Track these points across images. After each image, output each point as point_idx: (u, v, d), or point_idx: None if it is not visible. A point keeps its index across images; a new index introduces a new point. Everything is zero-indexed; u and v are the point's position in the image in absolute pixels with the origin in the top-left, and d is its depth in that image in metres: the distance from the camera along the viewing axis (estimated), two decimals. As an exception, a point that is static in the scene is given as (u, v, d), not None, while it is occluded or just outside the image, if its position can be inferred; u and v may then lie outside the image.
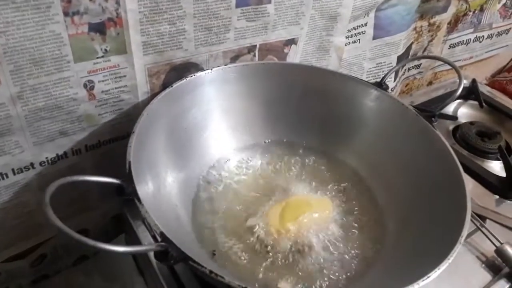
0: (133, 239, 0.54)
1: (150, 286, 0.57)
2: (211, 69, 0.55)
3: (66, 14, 0.42)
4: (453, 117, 0.75)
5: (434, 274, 0.36)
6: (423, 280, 0.36)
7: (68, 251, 0.63)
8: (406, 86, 0.96)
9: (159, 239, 0.47)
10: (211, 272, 0.33)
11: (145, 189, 0.41)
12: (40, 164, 0.50)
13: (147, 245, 0.36)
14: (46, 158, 0.50)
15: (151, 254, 0.51)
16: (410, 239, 0.48)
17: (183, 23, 0.50)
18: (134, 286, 0.60)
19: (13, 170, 0.48)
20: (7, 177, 0.48)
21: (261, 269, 0.47)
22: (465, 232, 0.40)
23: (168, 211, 0.45)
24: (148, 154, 0.46)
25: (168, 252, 0.33)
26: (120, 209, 0.59)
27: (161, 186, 0.47)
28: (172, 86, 0.51)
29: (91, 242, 0.30)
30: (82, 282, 0.64)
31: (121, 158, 0.55)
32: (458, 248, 0.39)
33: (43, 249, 0.59)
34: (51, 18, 0.41)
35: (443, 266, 0.37)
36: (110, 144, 0.55)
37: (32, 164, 0.49)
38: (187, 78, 0.53)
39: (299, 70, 0.61)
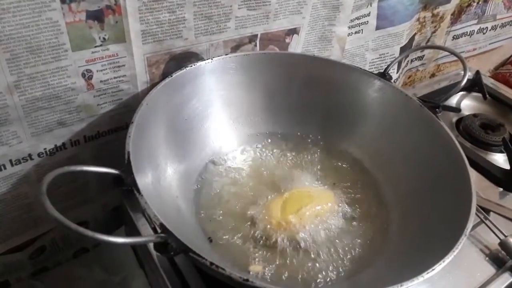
0: (133, 231, 0.54)
1: (150, 279, 0.56)
2: (212, 59, 0.54)
3: (63, 1, 0.41)
4: (457, 109, 0.75)
5: (439, 267, 0.36)
6: (427, 273, 0.35)
7: (67, 244, 0.62)
8: (408, 78, 0.95)
9: (158, 230, 0.46)
10: (211, 264, 0.32)
11: (144, 179, 0.40)
12: (39, 155, 0.49)
13: (146, 236, 0.36)
14: (45, 149, 0.49)
15: (151, 246, 0.51)
16: (414, 231, 0.47)
17: (183, 11, 0.49)
18: (135, 278, 0.59)
19: (11, 161, 0.48)
20: (4, 168, 0.48)
21: (262, 261, 0.46)
22: (470, 224, 0.40)
23: (168, 203, 0.44)
24: (148, 145, 0.45)
25: (168, 243, 0.33)
26: (120, 201, 0.58)
27: (161, 177, 0.46)
28: (171, 76, 0.50)
29: (90, 233, 0.29)
30: (82, 275, 0.64)
31: (121, 149, 0.55)
32: (464, 241, 0.38)
33: (42, 242, 0.58)
34: (48, 5, 0.40)
35: (449, 258, 0.36)
36: (109, 135, 0.54)
37: (30, 155, 0.49)
38: (187, 68, 0.52)
39: (301, 60, 0.60)
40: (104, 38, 0.46)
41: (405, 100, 0.55)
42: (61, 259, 0.64)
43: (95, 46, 0.46)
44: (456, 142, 0.49)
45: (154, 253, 0.50)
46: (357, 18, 0.69)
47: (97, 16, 0.44)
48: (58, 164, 0.51)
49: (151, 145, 0.46)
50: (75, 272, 0.64)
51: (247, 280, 0.32)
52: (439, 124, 0.51)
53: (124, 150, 0.41)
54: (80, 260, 0.65)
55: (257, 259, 0.46)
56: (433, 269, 0.35)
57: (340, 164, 0.59)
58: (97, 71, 0.47)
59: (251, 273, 0.45)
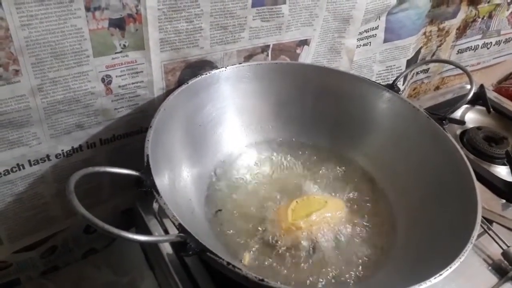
0: (144, 233, 0.55)
1: (160, 280, 0.57)
2: (226, 67, 0.56)
3: (87, 9, 0.42)
4: (461, 122, 0.76)
5: (446, 272, 0.37)
6: (435, 278, 0.36)
7: (78, 244, 0.64)
8: (414, 90, 0.97)
9: (169, 232, 0.47)
10: (228, 263, 0.33)
11: (162, 182, 0.42)
12: (56, 156, 0.51)
13: (167, 235, 0.37)
14: (62, 150, 0.51)
15: (163, 248, 0.52)
16: (421, 239, 0.48)
17: (200, 21, 0.51)
18: (144, 279, 0.60)
19: (29, 161, 0.49)
20: (23, 168, 0.49)
21: (271, 265, 0.47)
22: (475, 232, 0.41)
23: (183, 205, 0.46)
24: (164, 149, 0.46)
25: (187, 243, 0.34)
26: (132, 203, 0.60)
27: (175, 181, 0.47)
28: (187, 83, 0.52)
29: (115, 230, 0.31)
30: (91, 275, 0.65)
31: (135, 153, 0.56)
32: (470, 248, 0.39)
33: (54, 241, 0.60)
34: (74, 12, 0.42)
35: (455, 264, 0.38)
36: (124, 138, 0.56)
37: (48, 156, 0.50)
38: (202, 76, 0.54)
39: (312, 70, 0.61)
40: (124, 45, 0.47)
41: (413, 112, 0.57)
42: (71, 259, 0.65)
43: (115, 53, 0.47)
44: (462, 153, 0.50)
45: (165, 253, 0.51)
46: (366, 31, 0.71)
47: (118, 24, 0.45)
48: (74, 166, 0.53)
49: (167, 149, 0.47)
50: (84, 272, 0.65)
51: (263, 280, 0.33)
52: (446, 136, 0.53)
53: (139, 154, 0.42)
54: (89, 261, 0.67)
55: (267, 261, 0.47)
56: (440, 274, 0.36)
57: (348, 173, 0.60)
58: (116, 76, 0.49)
59: (242, 262, 0.46)
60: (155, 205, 0.54)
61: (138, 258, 0.63)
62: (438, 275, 0.37)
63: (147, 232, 0.54)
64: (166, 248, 0.52)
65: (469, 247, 0.40)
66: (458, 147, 0.51)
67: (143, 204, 0.57)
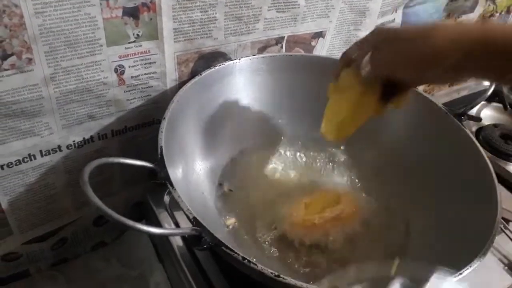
0: (155, 226, 0.55)
1: (170, 273, 0.57)
2: (240, 59, 0.55)
3: (102, -3, 0.42)
4: (478, 119, 0.75)
5: (467, 271, 0.36)
6: (455, 276, 0.35)
7: (87, 236, 0.63)
8: (428, 86, 0.95)
9: (180, 225, 0.47)
10: (244, 258, 0.33)
11: (176, 174, 0.41)
12: (67, 147, 0.50)
13: (181, 228, 0.36)
14: (73, 141, 0.51)
15: (174, 241, 0.52)
16: (437, 238, 0.47)
17: (214, 11, 0.50)
18: (153, 273, 0.60)
19: (41, 151, 0.49)
20: (35, 158, 0.49)
21: (284, 258, 0.47)
22: (496, 230, 0.40)
23: (196, 198, 0.45)
24: (177, 141, 0.46)
25: (202, 237, 0.33)
26: (142, 196, 0.59)
27: (188, 173, 0.47)
28: (201, 75, 0.51)
29: (129, 222, 0.30)
30: (100, 268, 0.64)
31: (146, 144, 0.56)
32: (491, 246, 0.38)
33: (65, 233, 0.59)
34: (88, 0, 0.41)
35: (476, 263, 0.37)
36: (136, 130, 0.55)
37: (59, 147, 0.50)
38: (216, 67, 0.53)
39: (327, 63, 0.60)
40: (137, 35, 0.47)
41: (430, 107, 0.55)
42: (80, 251, 0.65)
43: (129, 42, 0.47)
44: (482, 150, 0.49)
45: (175, 246, 0.51)
46: (382, 24, 0.70)
47: (132, 13, 0.45)
48: (85, 157, 0.52)
49: (180, 141, 0.47)
50: (94, 264, 0.65)
51: (279, 276, 0.32)
52: (465, 133, 0.51)
53: (151, 145, 0.41)
54: (98, 253, 0.66)
55: (280, 254, 0.47)
56: (460, 273, 0.36)
57: (363, 169, 0.59)
58: (129, 66, 0.48)
59: (230, 226, 0.47)
60: (166, 198, 0.53)
61: (147, 251, 0.63)
62: (458, 273, 0.36)
63: (158, 225, 0.54)
64: (177, 241, 0.52)
65: (489, 245, 0.39)
66: (477, 144, 0.50)
67: (154, 197, 0.56)
